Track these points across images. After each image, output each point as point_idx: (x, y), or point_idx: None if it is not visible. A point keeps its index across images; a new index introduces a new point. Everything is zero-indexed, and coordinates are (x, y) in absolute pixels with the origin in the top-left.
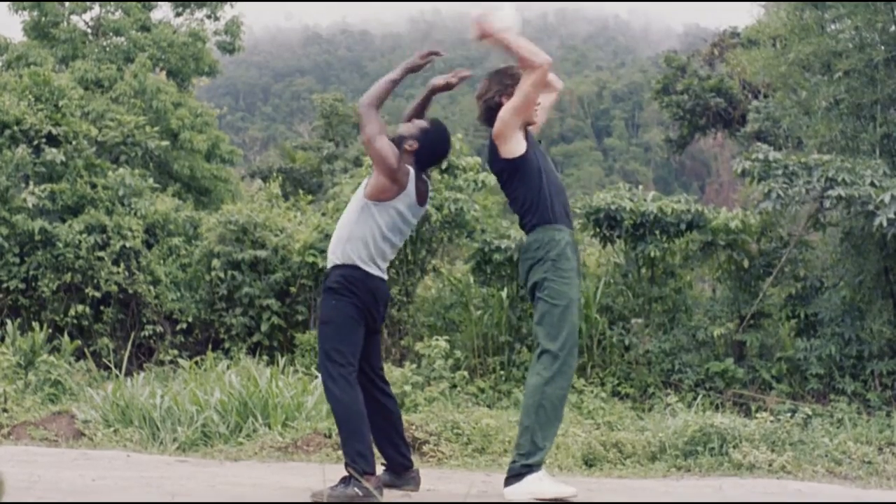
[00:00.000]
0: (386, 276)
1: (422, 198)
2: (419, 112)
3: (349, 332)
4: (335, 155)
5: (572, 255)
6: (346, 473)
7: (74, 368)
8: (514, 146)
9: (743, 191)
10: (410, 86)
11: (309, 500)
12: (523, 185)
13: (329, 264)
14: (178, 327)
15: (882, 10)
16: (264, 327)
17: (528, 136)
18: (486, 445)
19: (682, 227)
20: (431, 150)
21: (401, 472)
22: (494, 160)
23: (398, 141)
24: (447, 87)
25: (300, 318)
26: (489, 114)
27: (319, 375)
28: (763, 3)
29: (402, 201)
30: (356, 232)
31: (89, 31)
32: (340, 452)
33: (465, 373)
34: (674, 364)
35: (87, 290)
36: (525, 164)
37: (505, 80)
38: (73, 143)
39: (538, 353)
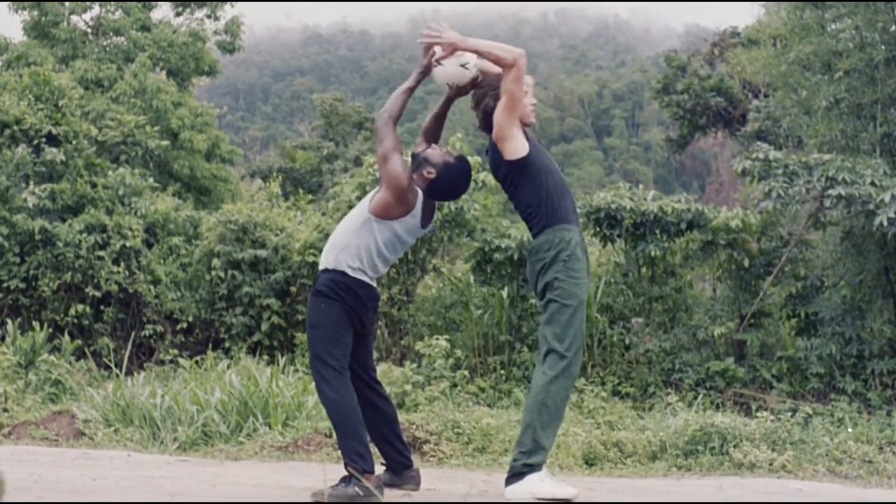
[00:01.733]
0: (375, 283)
1: (426, 220)
2: (439, 122)
3: (339, 335)
4: (335, 154)
5: (582, 255)
6: (346, 473)
7: (75, 368)
8: (516, 147)
9: (743, 190)
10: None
11: (309, 500)
12: (528, 187)
13: (320, 267)
14: (179, 327)
15: (882, 10)
16: (264, 327)
17: (528, 138)
18: (486, 445)
19: (683, 226)
20: (447, 186)
21: (401, 472)
22: (499, 165)
23: (418, 161)
24: (462, 91)
25: (300, 317)
26: (487, 120)
27: (314, 379)
28: (763, 2)
29: (405, 221)
30: (353, 242)
31: (89, 30)
32: (340, 452)
33: (466, 372)
34: (674, 363)
35: (87, 290)
36: (529, 165)
37: (494, 84)
38: (73, 142)
39: (545, 352)
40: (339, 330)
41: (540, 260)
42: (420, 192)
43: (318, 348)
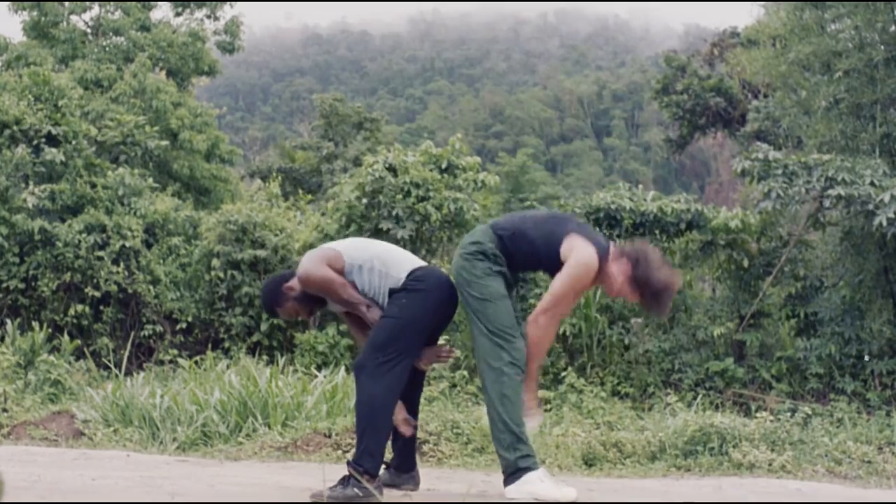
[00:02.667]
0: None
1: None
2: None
3: (406, 331)
4: (335, 154)
5: (501, 262)
6: (345, 473)
7: (74, 368)
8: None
9: (743, 190)
10: (409, 86)
11: (308, 500)
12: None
13: (389, 287)
14: (178, 327)
15: (882, 10)
16: (264, 327)
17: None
18: (485, 445)
19: (682, 226)
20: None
21: (402, 472)
22: (559, 245)
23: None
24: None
25: (299, 317)
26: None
27: (357, 364)
28: (763, 3)
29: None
30: (383, 272)
31: (89, 30)
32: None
33: (465, 372)
34: (674, 364)
35: (86, 290)
36: (557, 261)
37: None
38: (73, 142)
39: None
40: (408, 326)
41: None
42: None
43: (378, 337)
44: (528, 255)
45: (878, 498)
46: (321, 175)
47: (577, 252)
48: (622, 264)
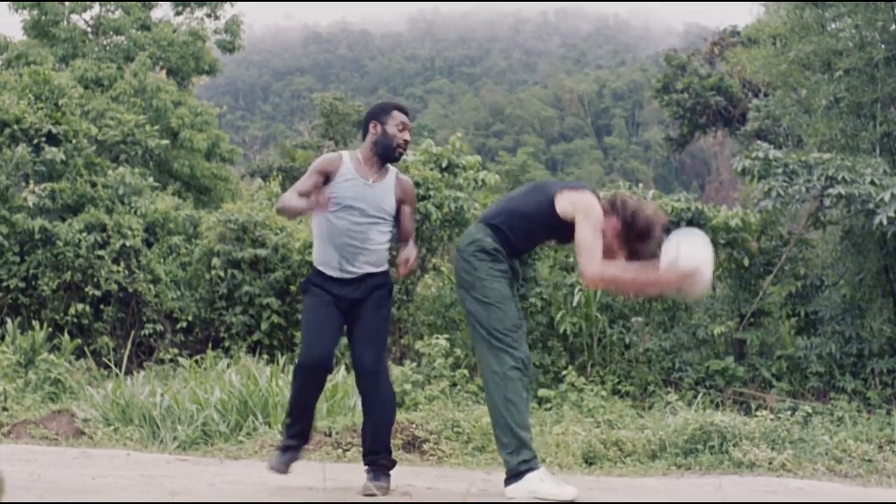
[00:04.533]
0: (339, 273)
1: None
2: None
3: (309, 328)
4: None
5: (502, 258)
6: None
7: (74, 367)
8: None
9: (743, 189)
10: (410, 84)
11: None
12: (530, 223)
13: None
14: (178, 326)
15: (882, 9)
16: (264, 326)
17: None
18: (486, 444)
19: (682, 225)
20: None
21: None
22: (554, 205)
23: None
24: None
25: (300, 316)
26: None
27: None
28: (763, 1)
29: (338, 186)
30: (315, 237)
31: (89, 29)
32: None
33: (466, 371)
34: (674, 362)
35: (87, 289)
36: (557, 223)
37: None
38: (73, 141)
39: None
40: (308, 323)
41: (459, 252)
42: (344, 157)
43: (302, 339)
44: (527, 232)
45: (878, 496)
46: None
47: (579, 202)
48: (609, 219)
